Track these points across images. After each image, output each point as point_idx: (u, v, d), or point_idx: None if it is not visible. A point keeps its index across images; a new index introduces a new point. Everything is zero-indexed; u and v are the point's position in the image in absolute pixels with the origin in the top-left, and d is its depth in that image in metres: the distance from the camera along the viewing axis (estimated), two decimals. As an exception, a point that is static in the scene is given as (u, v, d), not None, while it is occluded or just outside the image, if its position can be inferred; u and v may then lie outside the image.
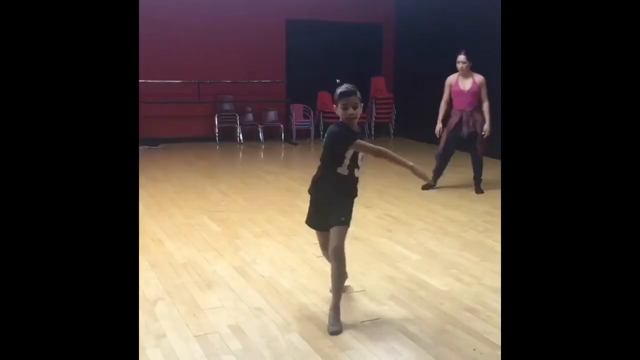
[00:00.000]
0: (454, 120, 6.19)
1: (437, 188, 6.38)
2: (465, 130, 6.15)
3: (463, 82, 6.09)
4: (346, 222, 2.99)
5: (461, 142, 6.22)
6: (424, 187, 6.29)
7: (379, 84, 10.66)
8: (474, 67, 6.11)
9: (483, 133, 6.03)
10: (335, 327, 2.93)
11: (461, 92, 6.08)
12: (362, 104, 3.00)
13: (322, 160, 3.07)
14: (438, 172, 6.39)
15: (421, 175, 3.09)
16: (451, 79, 6.19)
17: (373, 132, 10.58)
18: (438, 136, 6.28)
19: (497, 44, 7.93)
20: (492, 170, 6.55)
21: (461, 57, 5.99)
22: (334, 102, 3.00)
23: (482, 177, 6.34)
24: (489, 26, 8.04)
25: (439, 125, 6.24)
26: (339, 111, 2.98)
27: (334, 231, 2.96)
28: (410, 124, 10.22)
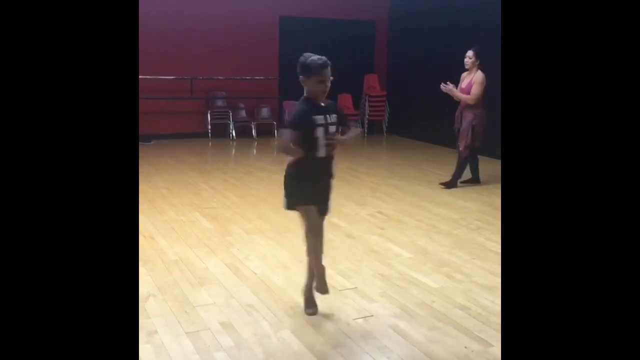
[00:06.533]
0: (456, 115, 6.20)
1: (428, 186, 6.39)
2: (455, 126, 6.20)
3: (464, 78, 6.09)
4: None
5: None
6: (444, 184, 6.28)
7: (372, 81, 10.66)
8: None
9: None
10: (313, 308, 3.10)
11: (460, 89, 6.06)
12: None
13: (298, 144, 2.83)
14: (457, 170, 6.28)
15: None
16: (463, 74, 6.19)
17: (366, 130, 10.58)
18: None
19: (491, 41, 7.90)
20: (482, 169, 6.56)
21: (468, 53, 5.98)
22: (304, 74, 2.80)
23: (462, 175, 6.28)
24: (483, 23, 8.07)
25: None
26: (309, 84, 2.81)
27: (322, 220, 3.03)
28: (403, 121, 10.23)
